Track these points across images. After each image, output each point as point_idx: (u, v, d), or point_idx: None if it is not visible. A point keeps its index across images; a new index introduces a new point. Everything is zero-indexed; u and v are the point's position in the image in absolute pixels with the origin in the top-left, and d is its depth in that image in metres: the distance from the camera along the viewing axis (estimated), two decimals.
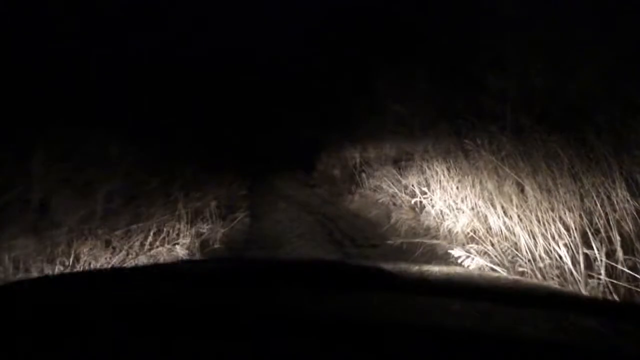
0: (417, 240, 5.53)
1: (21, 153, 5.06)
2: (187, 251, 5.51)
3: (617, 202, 4.49)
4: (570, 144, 5.94)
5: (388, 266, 1.89)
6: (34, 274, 4.21)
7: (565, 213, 4.10)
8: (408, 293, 1.30)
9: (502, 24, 7.56)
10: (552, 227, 3.90)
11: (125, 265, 4.80)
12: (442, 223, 5.92)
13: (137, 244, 5.13)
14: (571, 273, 3.34)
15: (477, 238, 4.60)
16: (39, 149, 5.01)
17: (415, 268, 1.68)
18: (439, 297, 1.23)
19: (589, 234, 3.67)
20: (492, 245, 4.25)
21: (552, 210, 4.19)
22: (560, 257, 3.46)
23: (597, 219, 4.06)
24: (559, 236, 3.71)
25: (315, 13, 14.45)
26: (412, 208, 6.97)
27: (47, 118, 5.68)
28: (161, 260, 5.26)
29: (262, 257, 5.11)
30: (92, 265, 4.63)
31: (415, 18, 9.98)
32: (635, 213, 3.98)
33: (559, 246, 3.50)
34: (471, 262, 3.53)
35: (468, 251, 4.00)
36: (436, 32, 9.38)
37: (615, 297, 3.14)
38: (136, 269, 2.65)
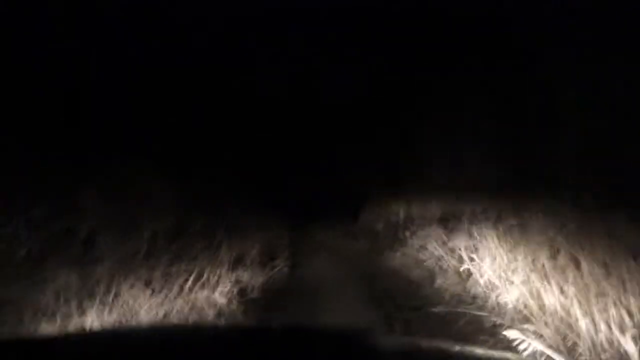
0: (462, 309, 5.28)
1: (71, 185, 5.14)
2: (225, 299, 5.41)
3: None
4: (630, 219, 5.67)
5: (430, 343, 1.74)
6: (73, 307, 4.18)
7: (626, 297, 3.83)
8: None
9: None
10: (613, 311, 3.63)
11: (162, 307, 4.74)
12: (490, 294, 5.65)
13: (177, 287, 5.07)
14: None
15: (529, 315, 4.34)
16: (89, 183, 5.09)
17: (458, 348, 1.53)
18: None
19: None
20: (547, 325, 3.99)
21: (612, 291, 3.93)
22: (626, 351, 3.18)
23: None
24: (623, 324, 3.44)
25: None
26: (459, 273, 6.71)
27: (97, 149, 5.79)
28: (198, 305, 5.17)
29: (292, 323, 4.94)
30: (130, 304, 4.59)
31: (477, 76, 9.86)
32: None
33: (624, 337, 3.23)
34: (526, 346, 3.29)
35: (520, 331, 3.75)
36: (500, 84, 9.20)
37: None
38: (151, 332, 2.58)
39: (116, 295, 4.51)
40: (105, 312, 4.30)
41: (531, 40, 7.85)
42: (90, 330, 3.76)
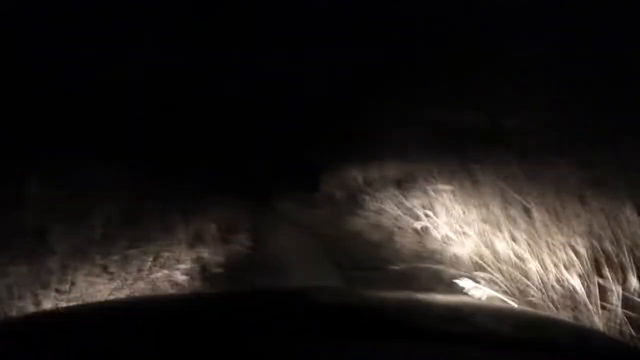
0: (421, 265, 5.40)
1: (17, 178, 4.97)
2: (186, 276, 5.37)
3: (627, 227, 4.38)
4: (577, 167, 5.86)
5: (392, 295, 1.78)
6: (28, 300, 4.08)
7: (575, 239, 3.99)
8: (411, 327, 1.20)
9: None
10: (563, 253, 3.78)
11: (122, 292, 4.68)
12: (447, 247, 5.79)
13: (135, 269, 5.00)
14: (585, 304, 3.21)
15: (485, 264, 4.48)
16: (34, 174, 4.92)
17: (420, 297, 1.58)
18: (443, 331, 1.15)
19: (602, 261, 3.56)
20: (501, 272, 4.12)
21: (561, 235, 4.08)
22: (573, 288, 3.33)
23: (609, 245, 3.95)
24: (571, 264, 3.59)
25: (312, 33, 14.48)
26: (416, 231, 6.84)
27: (41, 141, 5.60)
28: (160, 285, 5.13)
29: (257, 288, 4.97)
30: (88, 291, 4.51)
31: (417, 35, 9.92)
32: None
33: (571, 275, 3.37)
34: (479, 292, 3.40)
35: (475, 279, 3.87)
36: (439, 48, 9.31)
37: (631, 330, 3.01)
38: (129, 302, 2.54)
39: (72, 284, 4.41)
40: (63, 302, 4.21)
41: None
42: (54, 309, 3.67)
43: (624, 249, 3.61)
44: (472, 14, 8.05)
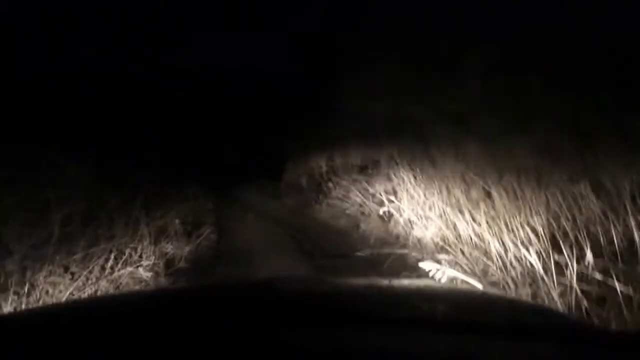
0: (386, 250, 5.46)
1: None
2: (150, 273, 5.31)
3: (582, 203, 4.51)
4: (534, 147, 5.99)
5: (358, 282, 1.81)
6: None
7: (532, 218, 4.09)
8: (377, 314, 1.22)
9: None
10: (521, 232, 3.88)
11: (84, 292, 4.59)
12: (411, 232, 5.88)
13: (97, 268, 4.90)
14: (543, 280, 3.30)
15: (447, 247, 4.56)
16: None
17: (384, 282, 1.61)
18: (408, 316, 1.18)
19: (558, 237, 3.66)
20: (463, 253, 4.20)
21: (520, 215, 4.17)
22: (532, 264, 3.42)
23: (565, 222, 4.06)
24: (529, 242, 3.68)
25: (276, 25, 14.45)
26: (381, 217, 6.91)
27: None
28: (124, 283, 5.05)
29: (223, 280, 4.96)
30: (49, 293, 4.41)
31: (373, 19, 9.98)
32: (601, 214, 3.97)
33: (529, 253, 3.46)
34: (442, 275, 3.46)
35: (438, 262, 3.93)
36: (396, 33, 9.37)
37: (586, 304, 3.12)
38: (92, 302, 2.50)
39: (32, 286, 4.30)
40: (22, 305, 4.11)
41: None
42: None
43: (579, 224, 3.72)
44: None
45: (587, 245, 3.36)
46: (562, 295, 3.19)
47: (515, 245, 3.73)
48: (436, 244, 5.06)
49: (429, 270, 3.70)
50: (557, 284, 3.22)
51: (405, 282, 1.65)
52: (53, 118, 7.65)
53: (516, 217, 4.11)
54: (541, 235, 3.75)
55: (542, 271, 3.33)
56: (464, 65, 6.94)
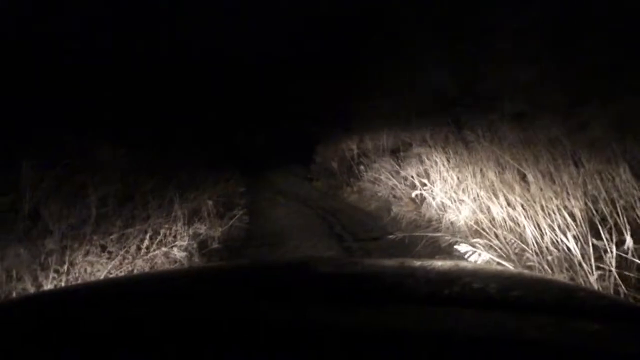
0: (419, 233, 5.42)
1: (10, 161, 4.94)
2: (185, 253, 5.39)
3: (621, 187, 4.40)
4: (570, 129, 5.85)
5: (390, 262, 1.79)
6: (27, 282, 4.09)
7: (570, 201, 4.00)
8: (412, 293, 1.21)
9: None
10: (558, 216, 3.79)
11: (121, 270, 4.70)
12: (444, 215, 5.82)
13: (134, 247, 5.01)
14: (580, 265, 3.23)
15: (481, 230, 4.49)
16: (28, 156, 4.89)
17: (417, 263, 1.59)
18: (442, 295, 1.16)
19: (597, 222, 3.58)
20: (497, 237, 4.14)
21: (556, 198, 4.09)
22: (569, 249, 3.35)
23: (604, 206, 3.97)
24: (566, 226, 3.60)
25: (306, 9, 14.34)
26: (413, 200, 6.86)
27: (35, 122, 5.56)
28: (159, 263, 5.15)
29: (257, 260, 5.00)
30: (87, 271, 4.52)
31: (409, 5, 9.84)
32: None
33: (567, 237, 3.39)
34: (477, 257, 3.41)
35: (473, 245, 3.89)
36: (429, 18, 9.26)
37: (625, 289, 3.04)
38: (131, 280, 2.54)
39: (71, 265, 4.42)
40: (63, 282, 4.23)
41: None
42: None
43: (619, 209, 3.62)
44: None
45: (626, 230, 3.27)
46: (600, 280, 3.13)
47: (552, 229, 3.66)
48: (470, 228, 4.99)
49: (463, 253, 3.67)
50: (596, 269, 3.15)
51: (439, 262, 1.62)
52: (89, 103, 7.81)
53: (552, 200, 4.02)
54: (579, 219, 3.67)
55: (579, 256, 3.26)
56: (499, 42, 6.81)
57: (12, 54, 6.93)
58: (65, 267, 4.34)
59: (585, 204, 3.96)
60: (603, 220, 3.66)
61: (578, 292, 1.53)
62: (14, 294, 3.97)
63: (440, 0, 8.83)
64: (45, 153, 5.70)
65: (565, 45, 6.11)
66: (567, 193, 4.19)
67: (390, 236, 5.75)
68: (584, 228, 3.52)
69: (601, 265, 3.14)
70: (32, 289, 4.05)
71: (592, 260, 3.17)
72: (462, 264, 2.61)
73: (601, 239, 3.26)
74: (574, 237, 3.38)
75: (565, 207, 3.94)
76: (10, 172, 5.08)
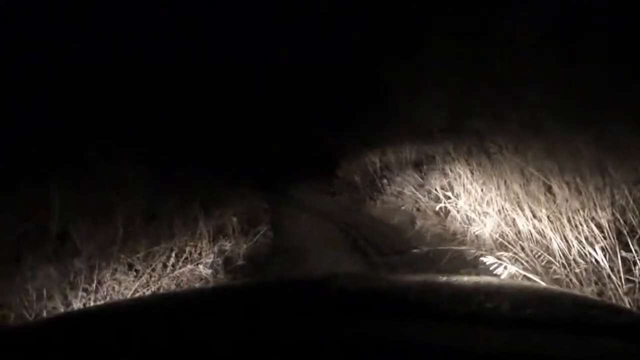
0: (443, 247, 5.38)
1: (37, 182, 5.06)
2: (210, 270, 5.43)
3: None
4: (595, 139, 5.76)
5: (416, 278, 1.79)
6: (57, 301, 4.17)
7: (597, 213, 3.94)
8: (437, 309, 1.21)
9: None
10: (585, 228, 3.74)
11: (148, 288, 4.75)
12: (468, 228, 5.76)
13: (160, 265, 5.07)
14: (609, 278, 3.17)
15: (507, 243, 4.45)
16: (55, 177, 5.00)
17: (443, 279, 1.58)
18: (466, 312, 1.15)
19: (625, 233, 3.51)
20: (523, 250, 4.09)
21: (583, 210, 4.03)
22: (597, 262, 3.29)
23: (632, 216, 3.90)
24: (594, 238, 3.55)
25: (326, 20, 14.45)
26: (437, 213, 6.81)
27: (62, 144, 5.69)
28: (184, 280, 5.20)
29: (282, 277, 5.02)
30: (115, 289, 4.59)
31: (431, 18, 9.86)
32: None
33: (594, 250, 3.33)
34: (503, 271, 3.38)
35: (499, 258, 3.85)
36: (452, 29, 9.27)
37: None
38: (157, 299, 2.57)
39: (100, 283, 4.49)
40: (91, 301, 4.30)
41: None
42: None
43: None
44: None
45: None
46: (629, 293, 3.06)
47: (579, 241, 3.60)
48: (495, 241, 4.94)
49: (489, 267, 3.63)
50: (625, 282, 3.09)
51: (465, 278, 1.61)
52: (114, 122, 7.97)
53: (579, 212, 3.96)
54: (607, 231, 3.61)
55: (608, 269, 3.20)
56: (522, 58, 6.78)
57: (41, 75, 7.13)
58: (94, 285, 4.41)
59: (613, 214, 3.89)
60: (632, 231, 3.60)
61: (602, 308, 1.51)
62: (45, 313, 4.06)
63: (461, 16, 8.84)
64: (72, 172, 5.83)
65: (582, 52, 6.06)
66: (594, 204, 4.13)
67: (415, 250, 5.72)
68: (612, 239, 3.46)
69: (631, 278, 3.08)
70: (62, 308, 4.13)
71: (622, 272, 3.12)
72: (488, 278, 2.59)
73: (630, 250, 3.20)
74: (602, 249, 3.32)
75: (593, 219, 3.88)
76: (38, 191, 5.21)
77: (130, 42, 10.11)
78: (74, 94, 7.75)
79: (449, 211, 6.47)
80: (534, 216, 4.49)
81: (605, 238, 3.50)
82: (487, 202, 5.69)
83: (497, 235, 4.94)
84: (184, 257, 5.38)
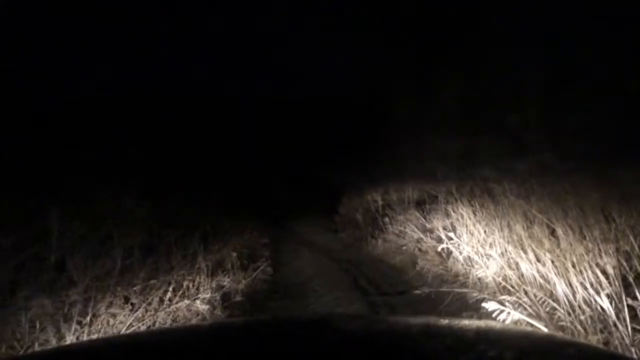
0: (445, 289, 5.30)
1: (36, 211, 5.04)
2: (207, 306, 5.34)
3: None
4: (600, 182, 5.75)
5: (416, 321, 1.75)
6: (50, 333, 4.09)
7: (602, 258, 3.88)
8: (436, 355, 1.17)
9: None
10: (590, 273, 3.67)
11: (143, 323, 4.66)
12: (471, 270, 5.69)
13: (156, 299, 4.99)
14: (615, 326, 3.10)
15: (510, 287, 4.37)
16: (54, 207, 4.98)
17: (444, 322, 1.54)
18: (467, 357, 1.12)
19: (631, 280, 3.45)
20: (527, 294, 4.01)
21: (587, 255, 3.97)
22: (603, 309, 3.22)
23: (637, 263, 3.84)
24: (599, 285, 3.48)
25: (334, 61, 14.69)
26: (439, 254, 6.74)
27: (61, 173, 5.69)
28: (181, 315, 5.11)
29: (280, 315, 4.93)
30: (110, 323, 4.50)
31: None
32: None
33: (600, 296, 3.26)
34: (506, 316, 3.30)
35: (501, 302, 3.77)
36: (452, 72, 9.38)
37: None
38: (153, 334, 2.52)
39: (94, 316, 4.41)
40: (85, 334, 4.21)
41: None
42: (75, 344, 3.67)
43: None
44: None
45: None
46: (637, 344, 2.98)
47: (584, 287, 3.54)
48: (498, 284, 4.87)
49: (492, 312, 3.56)
50: (632, 331, 3.01)
51: (466, 322, 1.57)
52: (112, 154, 8.00)
53: (584, 257, 3.91)
54: (612, 276, 3.54)
55: (614, 316, 3.13)
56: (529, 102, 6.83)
57: (41, 105, 7.18)
58: (88, 318, 4.33)
59: (618, 260, 3.83)
60: (637, 278, 3.53)
61: (608, 358, 1.46)
62: (36, 345, 3.97)
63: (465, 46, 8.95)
64: (72, 202, 5.81)
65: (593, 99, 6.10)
66: (599, 249, 4.07)
67: (416, 291, 5.64)
68: (618, 286, 3.39)
69: (637, 327, 3.01)
70: (54, 340, 4.04)
71: (628, 321, 3.04)
72: (490, 323, 2.53)
73: (636, 298, 3.13)
74: (608, 295, 3.25)
75: (597, 264, 3.82)
76: (37, 221, 5.18)
77: (137, 72, 10.23)
78: (76, 124, 7.80)
79: (451, 252, 6.40)
80: (538, 260, 4.43)
81: (610, 285, 3.43)
82: (490, 244, 5.63)
83: (500, 279, 4.86)
84: (181, 292, 5.31)
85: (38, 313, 4.17)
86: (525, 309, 3.78)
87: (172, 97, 11.85)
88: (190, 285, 5.48)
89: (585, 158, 5.53)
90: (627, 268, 3.69)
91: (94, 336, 4.26)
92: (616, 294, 3.31)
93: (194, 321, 5.11)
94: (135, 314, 4.71)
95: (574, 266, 3.86)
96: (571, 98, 6.52)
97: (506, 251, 5.16)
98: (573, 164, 5.59)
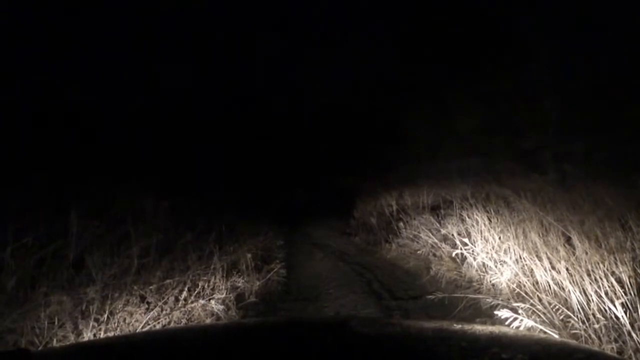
0: (459, 294, 5.30)
1: (57, 209, 5.13)
2: (222, 306, 5.40)
3: None
4: (617, 190, 5.71)
5: (429, 325, 1.76)
6: (68, 329, 4.16)
7: (618, 267, 3.86)
8: (450, 358, 1.19)
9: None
10: (605, 282, 3.66)
11: (159, 321, 4.73)
12: (485, 276, 5.67)
13: (172, 299, 5.06)
14: (630, 335, 3.08)
15: (524, 294, 4.36)
16: (75, 206, 5.07)
17: (457, 327, 1.55)
18: None
19: None
20: (541, 302, 4.00)
21: (603, 263, 3.95)
22: (617, 318, 3.21)
23: None
24: (614, 293, 3.46)
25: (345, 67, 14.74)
26: (453, 259, 6.73)
27: (82, 173, 5.79)
28: (196, 315, 5.16)
29: (294, 317, 4.97)
30: (126, 321, 4.57)
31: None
32: None
33: (614, 305, 3.25)
34: (519, 323, 3.30)
35: (514, 309, 3.77)
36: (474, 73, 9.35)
37: None
38: (168, 333, 2.56)
39: (111, 314, 4.48)
40: (102, 332, 4.28)
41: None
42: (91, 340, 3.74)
43: None
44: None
45: None
46: None
47: (599, 295, 3.52)
48: (512, 291, 4.85)
49: (505, 319, 3.55)
50: None
51: (479, 327, 1.59)
52: (132, 155, 8.10)
53: (599, 265, 3.89)
54: (627, 285, 3.53)
55: (628, 325, 3.11)
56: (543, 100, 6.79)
57: (64, 105, 7.30)
58: (105, 316, 4.40)
59: (634, 269, 3.81)
60: None
61: None
62: (55, 340, 4.04)
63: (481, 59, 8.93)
64: (91, 201, 5.91)
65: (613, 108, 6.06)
66: (615, 258, 4.05)
67: (430, 296, 5.63)
68: (633, 295, 3.38)
69: None
70: (72, 336, 4.12)
71: None
72: (503, 329, 2.54)
73: None
74: (622, 304, 3.24)
75: (613, 273, 3.80)
76: (57, 219, 5.27)
77: (163, 75, 10.36)
78: (97, 127, 7.92)
79: (465, 258, 6.38)
80: (553, 267, 4.41)
81: (625, 294, 3.42)
82: (505, 250, 5.61)
83: (514, 285, 4.85)
84: (196, 292, 5.37)
85: (57, 309, 4.25)
86: (539, 316, 3.77)
87: (195, 102, 11.99)
88: (206, 286, 5.53)
89: (602, 166, 5.49)
90: None
91: (111, 334, 4.34)
92: (631, 303, 3.30)
93: (208, 321, 5.16)
94: (151, 313, 4.77)
95: (589, 274, 3.85)
96: (587, 118, 6.50)
97: (521, 258, 5.14)
98: (591, 172, 5.55)
